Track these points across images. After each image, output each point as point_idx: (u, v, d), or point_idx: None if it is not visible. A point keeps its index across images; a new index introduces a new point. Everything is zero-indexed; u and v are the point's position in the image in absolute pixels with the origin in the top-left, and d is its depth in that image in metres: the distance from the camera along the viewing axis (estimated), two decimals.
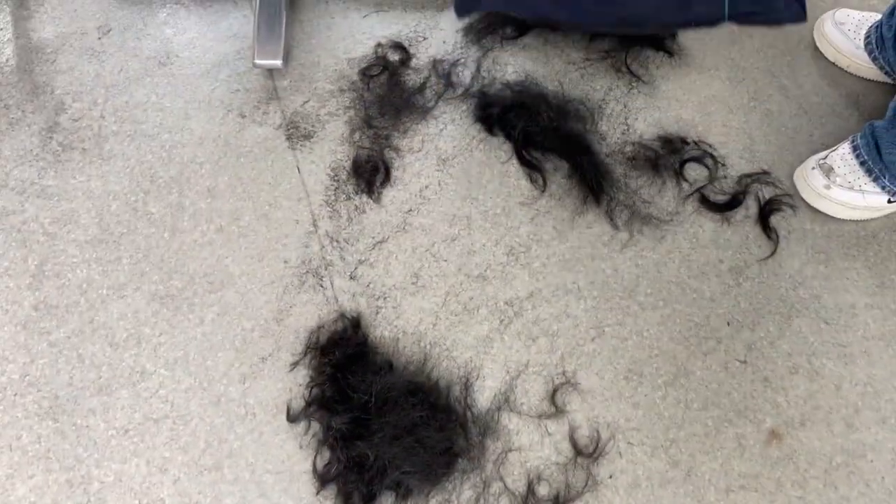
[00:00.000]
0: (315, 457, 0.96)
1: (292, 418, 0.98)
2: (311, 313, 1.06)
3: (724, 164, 1.17)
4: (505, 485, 0.95)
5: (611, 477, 0.96)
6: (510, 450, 0.98)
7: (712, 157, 1.17)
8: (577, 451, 0.97)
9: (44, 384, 1.01)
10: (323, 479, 0.95)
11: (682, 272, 1.09)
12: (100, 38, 1.29)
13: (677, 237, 1.11)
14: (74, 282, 1.08)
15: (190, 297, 1.07)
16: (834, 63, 1.27)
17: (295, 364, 1.02)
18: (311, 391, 0.99)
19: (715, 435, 0.99)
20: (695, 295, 1.08)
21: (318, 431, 0.98)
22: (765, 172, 1.16)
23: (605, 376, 1.02)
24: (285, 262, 1.10)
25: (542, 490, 0.95)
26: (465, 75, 1.24)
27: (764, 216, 1.13)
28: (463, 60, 1.26)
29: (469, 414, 0.99)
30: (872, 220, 1.14)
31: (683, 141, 1.18)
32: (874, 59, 1.22)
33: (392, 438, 0.94)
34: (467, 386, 1.01)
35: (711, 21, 1.08)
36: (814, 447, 0.98)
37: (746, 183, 1.15)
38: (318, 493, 0.95)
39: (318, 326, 1.04)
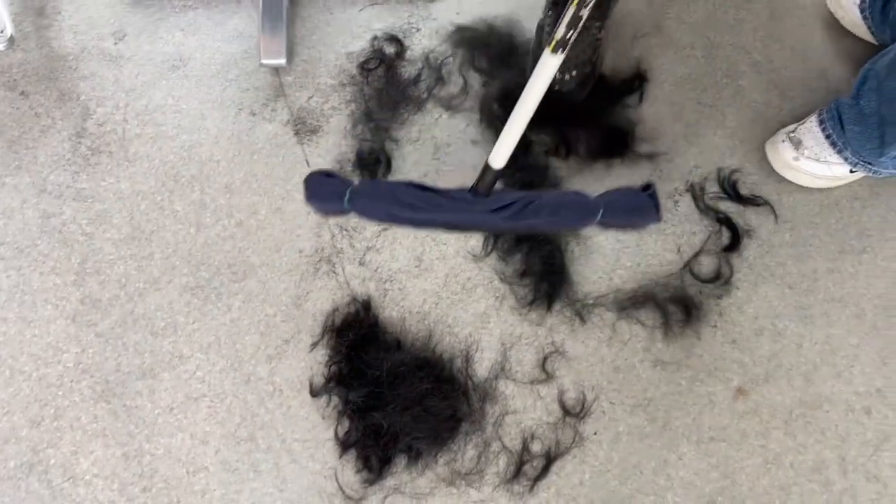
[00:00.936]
0: (336, 426, 1.10)
1: (314, 393, 1.12)
2: (326, 298, 1.18)
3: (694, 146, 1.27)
4: (503, 444, 1.09)
5: (595, 433, 1.10)
6: (507, 413, 1.11)
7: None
8: (566, 411, 1.11)
9: (95, 371, 1.15)
10: (344, 446, 1.09)
11: (657, 245, 1.20)
12: (116, 44, 1.39)
13: None
14: (114, 277, 1.21)
15: (217, 287, 1.20)
16: (832, 13, 1.35)
17: (314, 345, 1.15)
18: (329, 369, 1.13)
19: (687, 393, 1.11)
20: (669, 266, 1.19)
21: (338, 404, 1.11)
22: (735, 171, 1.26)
23: (588, 344, 1.14)
24: (300, 251, 1.22)
25: (536, 447, 1.09)
26: (453, 69, 1.34)
27: (739, 198, 1.23)
28: (451, 54, 1.35)
29: (470, 383, 1.12)
30: (835, 188, 1.24)
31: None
32: (864, 18, 1.30)
33: (403, 408, 1.08)
34: (468, 358, 1.14)
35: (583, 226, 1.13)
36: (775, 401, 1.10)
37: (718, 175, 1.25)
38: (340, 457, 1.09)
39: (333, 309, 1.17)
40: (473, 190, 1.02)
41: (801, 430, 1.09)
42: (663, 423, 1.10)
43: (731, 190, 1.23)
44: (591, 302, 1.17)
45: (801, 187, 1.23)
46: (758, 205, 1.22)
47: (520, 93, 0.95)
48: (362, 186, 1.05)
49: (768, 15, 1.37)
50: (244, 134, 1.31)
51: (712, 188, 1.24)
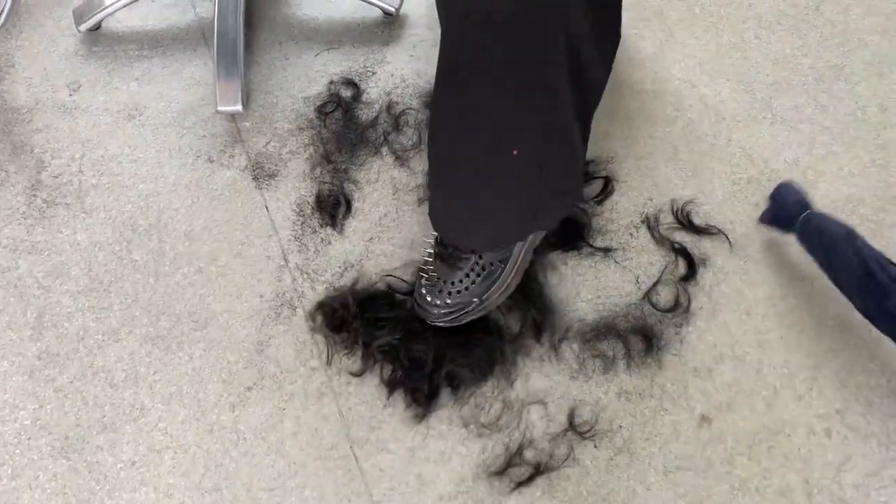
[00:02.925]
0: (381, 370, 1.14)
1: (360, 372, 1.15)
2: (288, 342, 1.18)
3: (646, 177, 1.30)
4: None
5: (563, 465, 1.10)
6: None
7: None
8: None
9: (54, 427, 1.13)
10: (391, 385, 1.12)
11: (616, 277, 1.22)
12: (71, 95, 1.39)
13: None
14: (72, 330, 1.19)
15: (178, 336, 1.19)
16: None
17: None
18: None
19: (652, 422, 1.12)
20: (628, 297, 1.20)
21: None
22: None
23: (553, 377, 1.15)
24: (261, 296, 1.21)
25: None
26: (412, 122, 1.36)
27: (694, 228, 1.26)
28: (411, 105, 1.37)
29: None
30: None
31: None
32: None
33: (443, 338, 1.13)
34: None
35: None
36: (739, 427, 1.12)
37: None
38: (388, 398, 1.12)
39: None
40: None
41: (765, 455, 1.10)
42: (630, 454, 1.11)
43: (685, 220, 1.25)
44: (557, 335, 1.18)
45: (753, 217, 1.26)
46: (712, 234, 1.25)
47: None
48: (819, 219, 1.13)
49: (714, 49, 1.42)
50: (202, 181, 1.31)
51: (667, 219, 1.26)
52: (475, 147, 1.04)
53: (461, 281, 1.11)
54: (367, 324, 1.16)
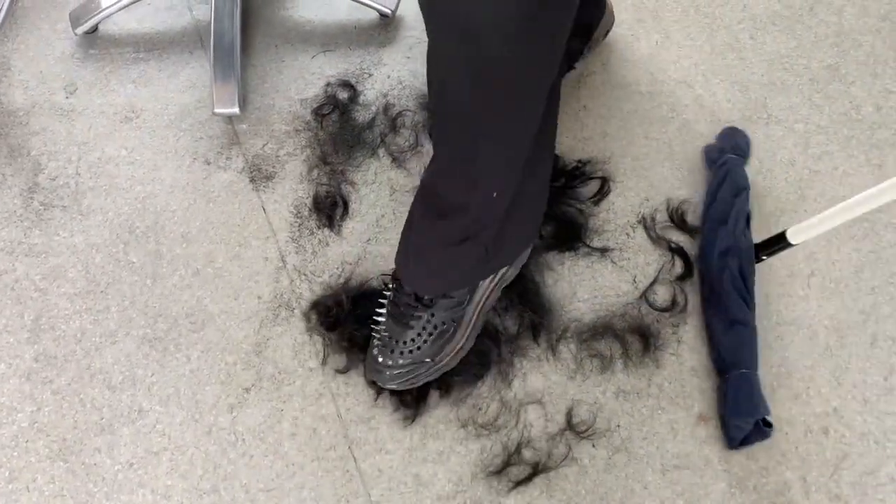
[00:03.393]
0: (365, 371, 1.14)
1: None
2: (286, 344, 1.18)
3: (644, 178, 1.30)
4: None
5: (562, 465, 1.10)
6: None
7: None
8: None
9: (51, 429, 1.12)
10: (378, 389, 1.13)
11: (613, 276, 1.22)
12: (67, 98, 1.39)
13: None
14: (69, 332, 1.19)
15: (176, 338, 1.19)
16: None
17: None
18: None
19: (650, 422, 1.12)
20: (626, 297, 1.21)
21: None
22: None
23: (550, 377, 1.15)
24: (259, 297, 1.21)
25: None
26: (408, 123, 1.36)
27: (686, 228, 1.26)
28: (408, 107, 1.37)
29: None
30: None
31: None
32: None
33: None
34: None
35: None
36: None
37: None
38: (375, 401, 1.13)
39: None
40: None
41: (763, 454, 1.10)
42: (628, 453, 1.11)
43: (679, 220, 1.26)
44: (554, 335, 1.18)
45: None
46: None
47: None
48: (731, 164, 1.26)
49: (709, 50, 1.42)
50: (199, 183, 1.31)
51: (662, 218, 1.26)
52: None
53: (413, 340, 1.09)
54: (360, 321, 1.16)
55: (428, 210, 1.04)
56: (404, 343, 1.09)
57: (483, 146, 0.91)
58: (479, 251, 1.05)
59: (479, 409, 1.13)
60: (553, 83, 0.93)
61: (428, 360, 1.10)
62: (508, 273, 1.14)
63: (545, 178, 1.13)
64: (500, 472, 1.09)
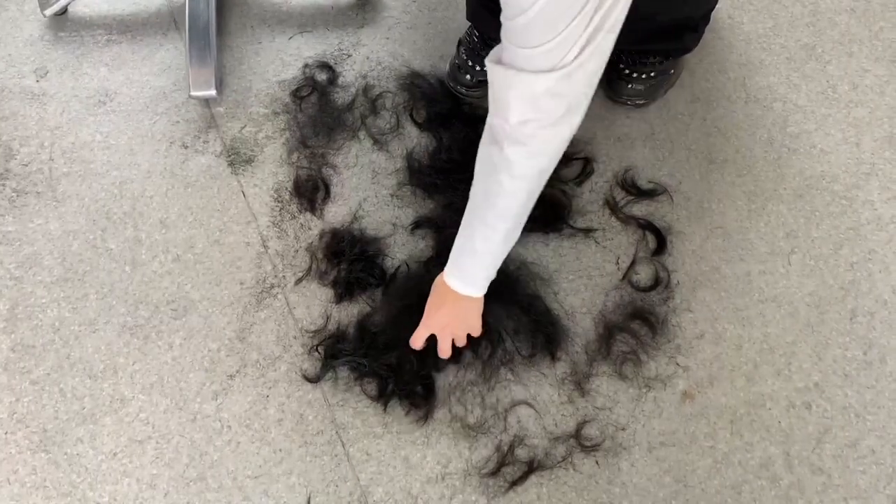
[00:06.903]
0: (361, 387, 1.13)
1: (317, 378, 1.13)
2: (270, 329, 1.16)
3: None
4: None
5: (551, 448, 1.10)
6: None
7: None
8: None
9: (31, 420, 1.10)
10: (386, 398, 1.11)
11: (598, 255, 1.22)
12: (38, 81, 1.35)
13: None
14: (47, 321, 1.17)
15: (157, 325, 1.17)
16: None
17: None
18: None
19: (636, 400, 1.13)
20: (610, 279, 1.21)
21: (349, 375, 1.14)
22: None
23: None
24: (241, 283, 1.20)
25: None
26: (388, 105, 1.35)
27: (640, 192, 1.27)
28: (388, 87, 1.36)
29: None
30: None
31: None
32: None
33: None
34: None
35: None
36: (720, 402, 1.13)
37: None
38: (384, 411, 1.11)
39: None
40: None
41: (747, 429, 1.12)
42: (613, 432, 1.11)
43: (631, 188, 1.27)
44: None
45: (729, 192, 1.27)
46: (658, 193, 1.27)
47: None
48: None
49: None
50: (177, 167, 1.28)
51: (621, 196, 1.27)
52: None
53: None
54: (353, 274, 1.19)
55: None
56: None
57: None
58: None
59: (466, 392, 1.13)
60: None
61: None
62: None
63: None
64: (491, 466, 1.09)
